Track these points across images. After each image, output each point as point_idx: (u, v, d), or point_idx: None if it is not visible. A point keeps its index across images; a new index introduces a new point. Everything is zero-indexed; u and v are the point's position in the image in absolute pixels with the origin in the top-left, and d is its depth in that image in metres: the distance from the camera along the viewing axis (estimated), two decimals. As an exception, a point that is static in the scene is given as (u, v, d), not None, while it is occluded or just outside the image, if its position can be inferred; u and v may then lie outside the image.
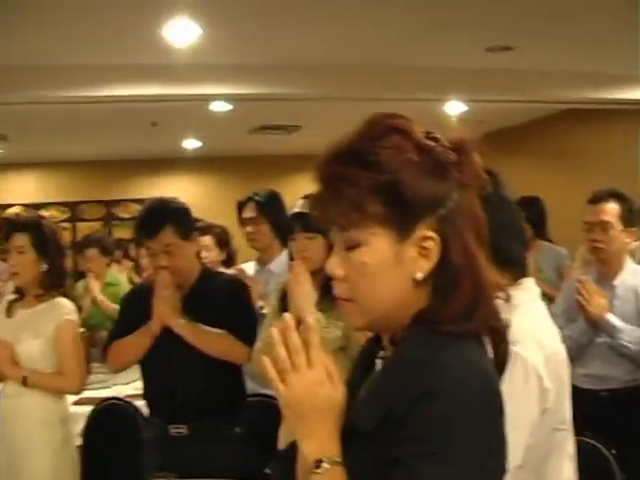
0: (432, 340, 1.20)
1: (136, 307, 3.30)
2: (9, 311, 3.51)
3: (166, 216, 3.15)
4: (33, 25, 5.83)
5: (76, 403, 4.20)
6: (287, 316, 1.29)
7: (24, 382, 3.31)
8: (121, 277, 6.65)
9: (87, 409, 4.12)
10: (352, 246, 1.24)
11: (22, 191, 12.50)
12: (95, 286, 6.06)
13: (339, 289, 1.29)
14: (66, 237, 12.22)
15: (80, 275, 6.65)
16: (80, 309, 3.97)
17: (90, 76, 6.88)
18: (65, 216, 12.74)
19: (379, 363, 1.34)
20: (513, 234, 2.01)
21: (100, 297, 6.00)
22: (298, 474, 1.32)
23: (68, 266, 3.75)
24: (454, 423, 1.12)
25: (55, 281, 3.46)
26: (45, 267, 3.42)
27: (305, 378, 1.24)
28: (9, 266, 3.54)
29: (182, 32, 6.01)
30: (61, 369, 3.38)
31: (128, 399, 4.16)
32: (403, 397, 1.16)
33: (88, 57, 6.63)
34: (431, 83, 7.31)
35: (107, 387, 4.85)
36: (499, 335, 1.28)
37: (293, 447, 1.29)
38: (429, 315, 1.23)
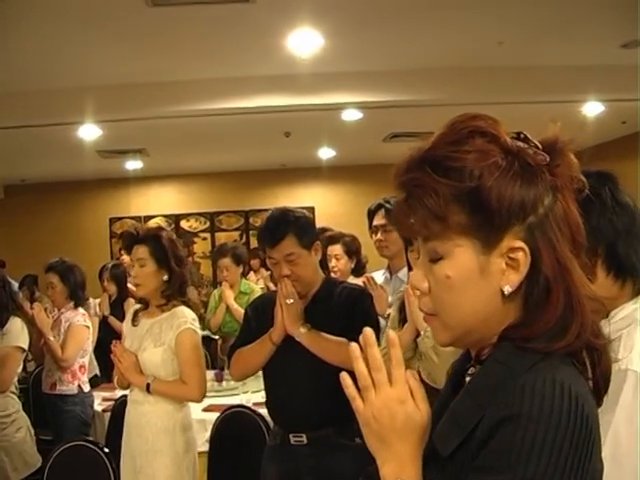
0: (517, 359, 1.10)
1: (260, 316, 3.31)
2: (134, 320, 3.66)
3: (287, 225, 3.14)
4: (163, 44, 6.07)
5: (206, 410, 4.29)
6: (368, 331, 1.21)
7: (147, 389, 3.44)
8: (254, 286, 6.77)
9: (216, 416, 4.21)
10: (435, 258, 1.15)
11: (163, 203, 13.02)
12: (229, 294, 6.20)
13: (423, 303, 1.20)
14: (205, 247, 12.65)
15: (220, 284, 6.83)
16: (201, 317, 4.05)
17: (219, 89, 7.10)
18: (204, 226, 13.16)
19: (467, 380, 1.24)
20: (633, 241, 1.81)
21: (234, 305, 6.13)
22: None
23: (200, 274, 3.83)
24: (533, 452, 1.00)
25: (176, 290, 3.57)
26: (165, 277, 3.54)
27: (385, 396, 1.17)
28: (131, 278, 3.66)
29: (305, 42, 6.13)
30: (182, 377, 3.47)
31: (254, 407, 4.21)
32: (482, 421, 1.07)
33: (217, 71, 6.86)
34: (563, 84, 7.06)
35: (236, 394, 4.95)
36: (598, 353, 1.15)
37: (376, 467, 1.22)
38: (516, 331, 1.13)
